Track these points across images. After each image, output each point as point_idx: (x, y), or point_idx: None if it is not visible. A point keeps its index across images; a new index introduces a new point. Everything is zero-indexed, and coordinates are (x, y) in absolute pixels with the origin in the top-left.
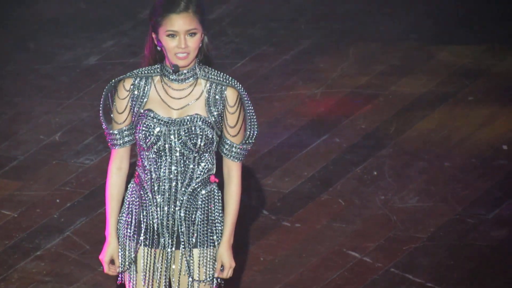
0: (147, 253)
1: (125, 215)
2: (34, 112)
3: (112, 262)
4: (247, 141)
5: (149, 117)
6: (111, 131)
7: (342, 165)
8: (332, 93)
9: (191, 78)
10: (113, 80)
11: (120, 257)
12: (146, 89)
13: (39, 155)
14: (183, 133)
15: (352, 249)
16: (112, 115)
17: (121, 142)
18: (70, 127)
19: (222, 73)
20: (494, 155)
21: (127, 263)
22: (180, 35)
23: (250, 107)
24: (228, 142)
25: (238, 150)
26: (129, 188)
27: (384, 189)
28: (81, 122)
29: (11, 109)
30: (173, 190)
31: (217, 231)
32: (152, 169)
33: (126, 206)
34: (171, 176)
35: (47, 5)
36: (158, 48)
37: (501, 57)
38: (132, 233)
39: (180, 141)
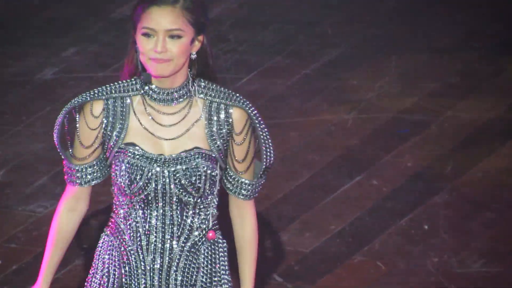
0: None
1: (98, 277)
2: None
3: None
4: (261, 175)
5: (134, 155)
6: (70, 165)
7: (382, 216)
8: (368, 119)
9: (183, 98)
10: (74, 100)
11: None
12: (123, 115)
13: None
14: (181, 174)
15: None
16: (72, 146)
17: (81, 181)
18: (17, 162)
19: (225, 89)
20: None
21: None
22: (158, 35)
23: (264, 132)
24: (236, 178)
25: (250, 187)
26: (101, 240)
27: (438, 249)
28: (32, 156)
29: None
30: (168, 247)
31: None
32: (138, 220)
33: (101, 265)
34: (165, 229)
35: None
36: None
37: None
38: None
39: (179, 185)
